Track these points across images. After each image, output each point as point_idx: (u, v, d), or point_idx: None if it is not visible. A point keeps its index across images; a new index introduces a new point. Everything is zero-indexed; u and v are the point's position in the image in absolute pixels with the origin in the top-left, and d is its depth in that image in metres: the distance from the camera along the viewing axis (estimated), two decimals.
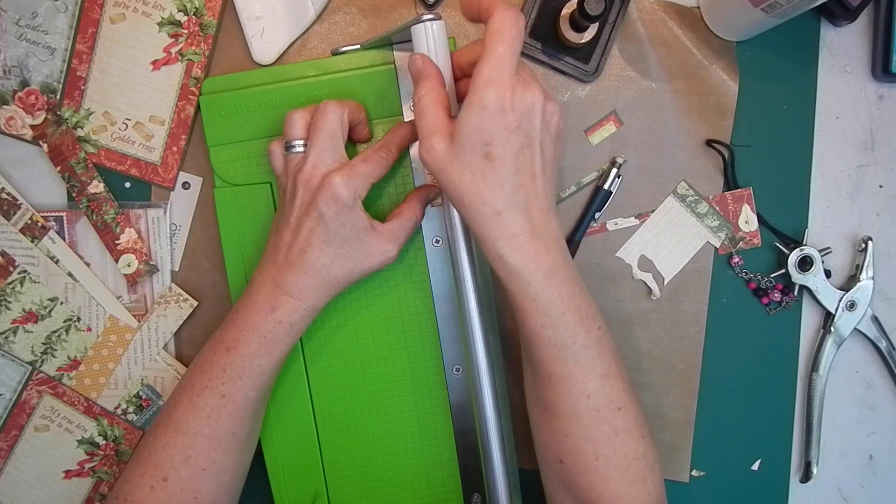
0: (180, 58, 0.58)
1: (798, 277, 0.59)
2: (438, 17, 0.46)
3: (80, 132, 0.59)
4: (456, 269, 0.47)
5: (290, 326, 0.49)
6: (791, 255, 0.58)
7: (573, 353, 0.46)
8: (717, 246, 0.60)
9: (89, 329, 0.59)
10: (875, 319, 0.60)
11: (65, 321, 0.59)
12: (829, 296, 0.59)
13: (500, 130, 0.42)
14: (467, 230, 0.47)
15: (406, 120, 0.55)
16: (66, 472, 0.61)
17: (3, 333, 0.59)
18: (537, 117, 0.43)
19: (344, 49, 0.56)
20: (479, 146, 0.42)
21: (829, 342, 0.60)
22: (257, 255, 0.55)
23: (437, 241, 0.55)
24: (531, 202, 0.44)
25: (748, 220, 0.59)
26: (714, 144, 0.59)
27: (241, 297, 0.50)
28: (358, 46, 0.55)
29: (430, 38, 0.46)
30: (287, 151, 0.50)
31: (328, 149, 0.48)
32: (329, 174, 0.47)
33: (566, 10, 0.56)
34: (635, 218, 0.60)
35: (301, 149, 0.49)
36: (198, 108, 0.58)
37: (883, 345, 0.60)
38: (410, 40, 0.53)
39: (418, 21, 0.45)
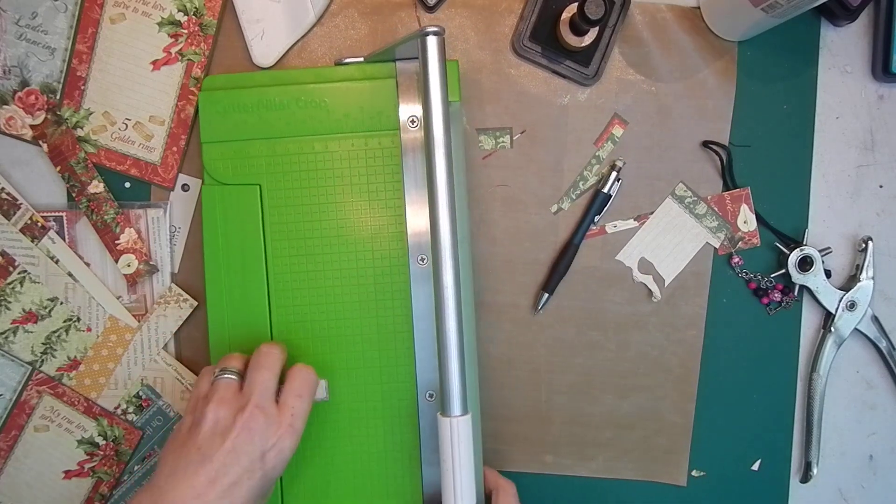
0: (180, 58, 0.58)
1: (798, 277, 0.59)
2: (441, 32, 0.45)
3: (80, 132, 0.59)
4: (437, 288, 0.45)
5: None
6: (791, 255, 0.58)
7: None
8: (717, 246, 0.60)
9: (89, 329, 0.59)
10: (875, 319, 0.60)
11: (65, 321, 0.59)
12: (830, 296, 0.59)
13: None
14: (455, 246, 0.45)
15: (402, 135, 0.54)
16: (66, 472, 0.61)
17: (3, 333, 0.59)
18: None
19: (348, 61, 0.56)
20: None
21: (830, 342, 0.60)
22: (237, 258, 0.55)
23: (423, 260, 0.54)
24: None
25: (747, 221, 0.60)
26: (710, 146, 0.59)
27: None
28: (362, 60, 0.56)
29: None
30: (216, 377, 0.49)
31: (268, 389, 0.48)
32: (281, 437, 0.47)
33: (566, 14, 0.56)
34: (634, 220, 0.60)
35: (233, 376, 0.49)
36: (198, 108, 0.58)
37: (883, 345, 0.60)
38: (414, 57, 0.52)
39: (422, 34, 0.45)
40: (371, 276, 0.55)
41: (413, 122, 0.54)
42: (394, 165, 0.54)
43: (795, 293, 0.60)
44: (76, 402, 0.60)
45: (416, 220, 0.54)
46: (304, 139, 0.55)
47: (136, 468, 0.61)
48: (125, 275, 0.59)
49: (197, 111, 0.58)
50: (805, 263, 0.59)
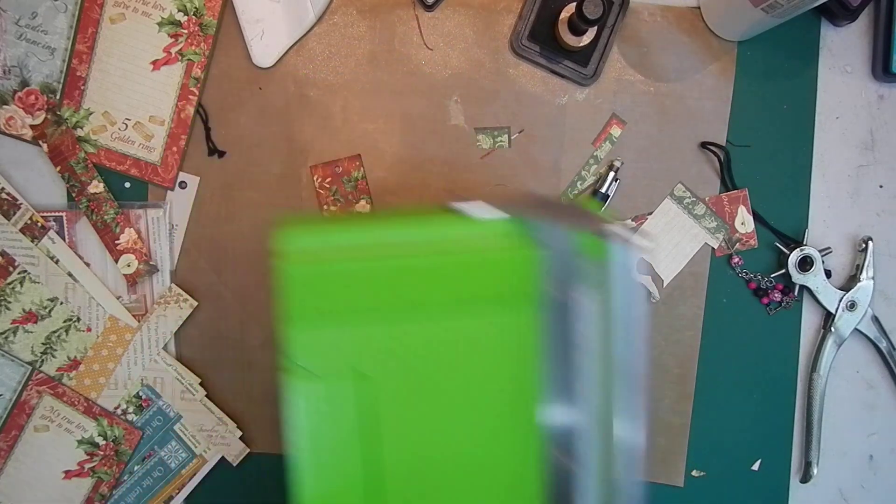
0: (180, 58, 0.58)
1: (798, 277, 0.59)
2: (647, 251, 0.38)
3: (79, 132, 0.59)
4: None
5: None
6: (791, 255, 0.58)
7: None
8: (715, 247, 0.60)
9: (89, 329, 0.60)
10: (875, 319, 0.60)
11: (65, 321, 0.60)
12: (830, 296, 0.59)
13: None
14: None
15: (543, 312, 0.41)
16: (66, 472, 0.61)
17: (3, 333, 0.59)
18: None
19: (464, 209, 0.41)
20: None
21: (830, 342, 0.60)
22: (336, 472, 0.42)
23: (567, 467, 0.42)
24: None
25: (744, 222, 0.59)
26: (709, 146, 0.59)
27: None
28: (481, 205, 0.42)
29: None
30: None
31: None
32: None
33: (565, 14, 0.56)
34: (632, 220, 0.60)
35: None
36: (197, 109, 0.58)
37: (883, 345, 0.60)
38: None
39: (623, 239, 0.36)
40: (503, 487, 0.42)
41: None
42: (527, 350, 0.42)
43: (795, 293, 0.60)
44: (76, 402, 0.60)
45: (559, 418, 0.42)
46: (415, 323, 0.42)
47: (136, 468, 0.61)
48: (125, 275, 0.59)
49: (197, 112, 0.58)
50: (805, 263, 0.59)
